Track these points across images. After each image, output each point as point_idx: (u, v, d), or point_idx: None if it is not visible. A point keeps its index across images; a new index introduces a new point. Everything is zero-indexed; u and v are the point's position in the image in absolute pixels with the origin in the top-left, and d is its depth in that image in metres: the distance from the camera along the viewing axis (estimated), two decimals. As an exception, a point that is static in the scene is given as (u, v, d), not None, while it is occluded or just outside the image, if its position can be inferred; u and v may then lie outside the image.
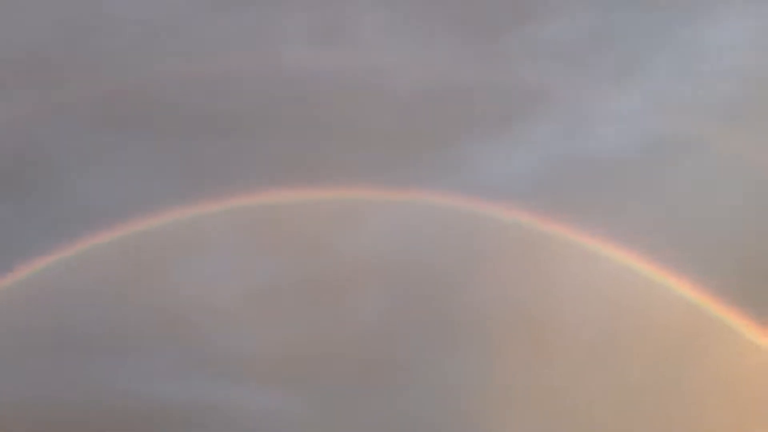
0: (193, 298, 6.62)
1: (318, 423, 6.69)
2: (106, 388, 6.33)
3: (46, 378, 6.19)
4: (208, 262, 6.79)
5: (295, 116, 7.35)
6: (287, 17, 7.06)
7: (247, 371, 6.90)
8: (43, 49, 6.21)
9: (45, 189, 6.44)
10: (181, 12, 6.61)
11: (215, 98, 7.13)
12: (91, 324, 6.45)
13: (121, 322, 6.57)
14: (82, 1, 6.41)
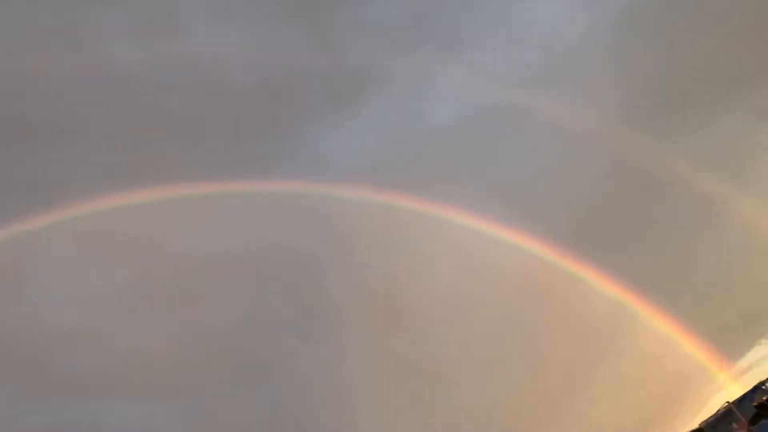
0: (30, 322, 6.40)
1: (183, 427, 6.81)
2: None
3: None
4: (43, 282, 6.60)
5: (123, 117, 7.33)
6: (107, 14, 6.96)
7: (102, 387, 6.82)
8: None
9: None
10: None
11: (32, 103, 6.92)
12: None
13: None
14: None
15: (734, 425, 19.86)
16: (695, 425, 22.14)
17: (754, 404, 21.22)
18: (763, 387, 22.40)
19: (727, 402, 21.33)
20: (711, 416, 22.25)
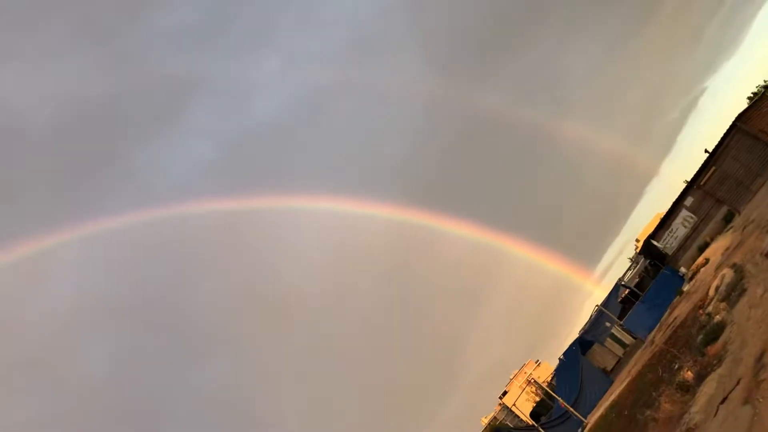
0: None
1: None
2: None
3: None
4: None
5: None
6: None
7: None
8: None
9: None
10: None
11: None
12: None
13: None
14: None
15: (607, 324, 21.69)
16: (576, 335, 24.01)
17: (619, 300, 23.25)
18: (622, 284, 24.58)
19: (596, 305, 23.23)
20: (586, 323, 24.11)
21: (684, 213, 23.20)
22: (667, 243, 23.70)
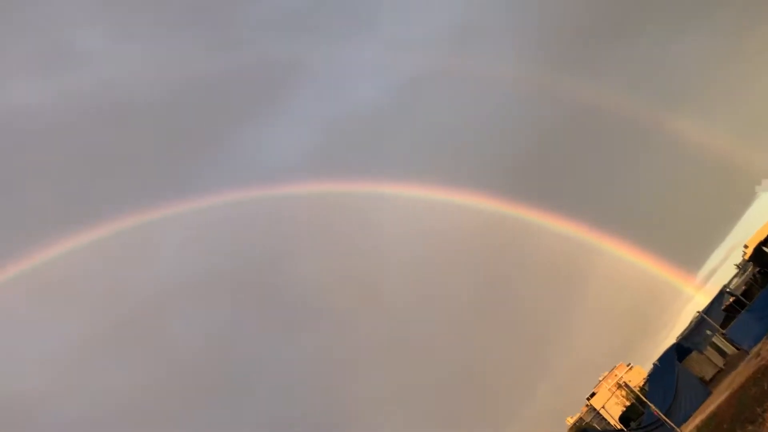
0: (8, 385, 6.46)
1: None
2: None
3: None
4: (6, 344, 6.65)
5: (40, 158, 7.39)
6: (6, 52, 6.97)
7: None
8: None
9: None
10: None
11: None
12: None
13: None
14: None
15: (708, 332, 20.76)
16: (673, 340, 23.10)
17: (723, 308, 22.20)
18: (728, 290, 23.42)
19: (698, 312, 22.25)
20: (686, 329, 23.14)
21: (801, 219, 21.75)
22: (781, 250, 22.35)
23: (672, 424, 18.24)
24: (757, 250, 23.74)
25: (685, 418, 18.66)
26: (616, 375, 34.70)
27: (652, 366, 22.61)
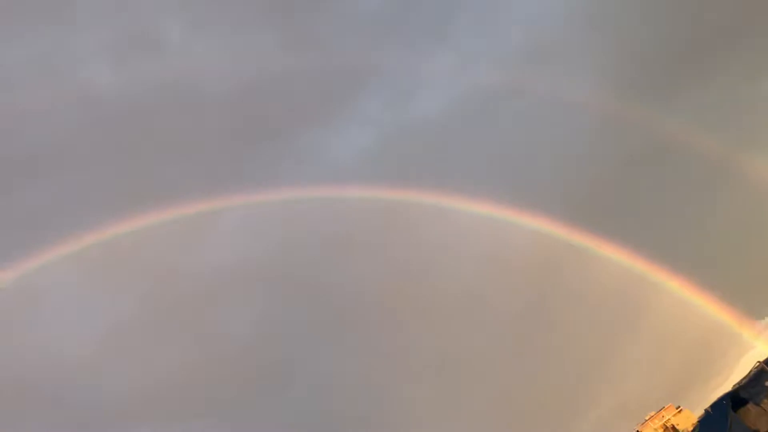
0: (46, 357, 6.60)
1: None
2: None
3: None
4: (51, 321, 6.81)
5: (111, 141, 7.53)
6: (82, 37, 7.17)
7: (127, 416, 7.06)
8: None
9: None
10: None
11: (19, 137, 7.12)
12: None
13: None
14: None
15: (767, 384, 19.83)
16: (728, 388, 22.15)
17: (786, 360, 21.24)
18: (792, 342, 22.28)
19: (758, 362, 21.28)
20: (744, 378, 22.17)
21: None
22: None
23: (719, 475, 17.43)
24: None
25: (734, 471, 17.83)
26: (663, 416, 33.68)
27: (703, 412, 21.76)
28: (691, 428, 26.03)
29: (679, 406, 35.11)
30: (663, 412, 34.52)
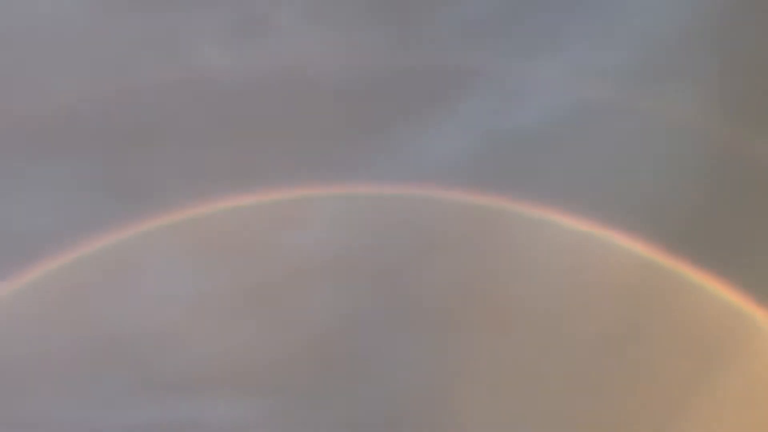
0: (139, 319, 6.58)
1: (280, 429, 6.81)
2: (56, 419, 6.28)
3: None
4: (149, 282, 6.75)
5: (219, 120, 7.35)
6: (199, 17, 7.08)
7: (202, 385, 6.94)
8: None
9: None
10: (84, 20, 6.49)
11: (133, 109, 7.00)
12: (26, 359, 6.36)
13: (62, 355, 6.48)
14: None
15: None
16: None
17: None
18: None
19: None
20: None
21: None
22: None
23: None
24: None
25: None
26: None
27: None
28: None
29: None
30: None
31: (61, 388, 6.63)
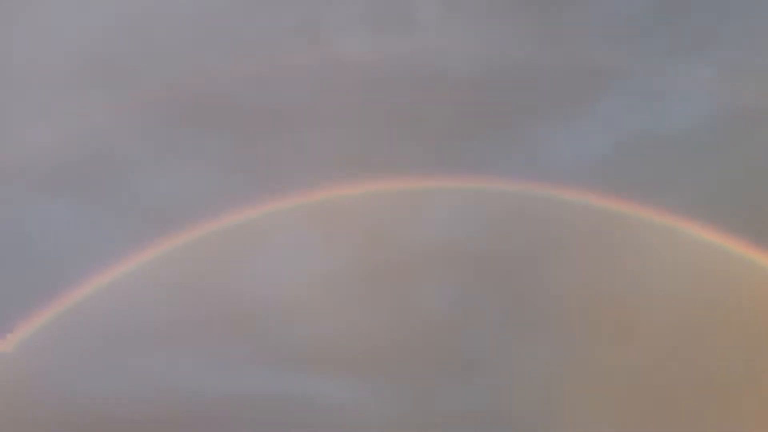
0: (262, 293, 6.89)
1: (391, 414, 6.87)
2: (178, 384, 6.63)
3: (122, 376, 6.54)
4: (274, 258, 7.05)
5: (351, 107, 7.54)
6: (344, 5, 7.29)
7: (317, 363, 7.14)
8: (103, 50, 6.51)
9: (114, 191, 6.81)
10: (231, 6, 6.81)
11: (271, 93, 7.30)
12: (161, 324, 6.73)
13: (192, 321, 6.83)
14: (136, 2, 6.65)
15: None
16: None
17: None
18: None
19: None
20: None
21: None
22: None
23: None
24: None
25: None
26: None
27: None
28: None
29: None
30: None
31: (188, 353, 7.04)
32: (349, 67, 7.47)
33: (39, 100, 6.47)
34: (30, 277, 6.77)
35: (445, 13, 7.60)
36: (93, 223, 6.71)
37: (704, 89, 7.89)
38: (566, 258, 7.97)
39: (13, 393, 6.36)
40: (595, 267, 7.96)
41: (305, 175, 7.43)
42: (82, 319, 6.62)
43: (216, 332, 6.89)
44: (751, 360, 7.89)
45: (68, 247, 6.84)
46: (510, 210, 8.08)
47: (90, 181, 6.74)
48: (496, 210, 8.02)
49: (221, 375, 6.94)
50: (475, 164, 7.84)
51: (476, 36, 7.69)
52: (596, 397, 7.42)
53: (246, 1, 6.82)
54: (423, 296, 7.81)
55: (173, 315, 6.78)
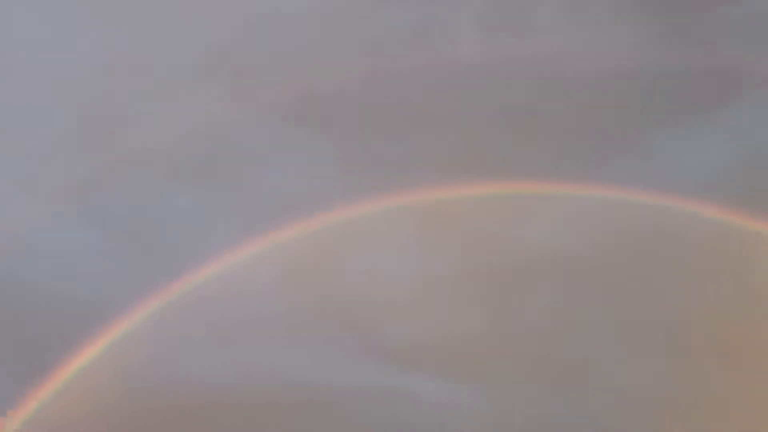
0: (368, 290, 6.99)
1: (488, 416, 6.87)
2: (283, 374, 6.86)
3: (230, 365, 6.85)
4: (380, 256, 7.14)
5: (465, 110, 7.51)
6: (461, 7, 7.26)
7: (418, 361, 7.17)
8: (225, 49, 6.84)
9: (234, 183, 7.13)
10: (353, 7, 6.96)
11: (390, 93, 7.41)
12: (270, 314, 6.98)
13: (299, 313, 7.04)
14: (259, 2, 6.94)
15: None
16: None
17: None
18: None
19: None
20: None
21: None
22: None
23: None
24: None
25: None
26: None
27: None
28: None
29: None
30: None
31: (290, 344, 7.28)
32: (466, 69, 7.49)
33: (168, 94, 6.87)
34: (153, 260, 7.19)
35: (565, 15, 7.46)
36: (213, 211, 7.05)
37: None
38: (680, 274, 7.62)
39: (127, 378, 6.79)
40: (707, 286, 7.57)
41: (416, 176, 7.50)
42: (193, 306, 6.98)
43: (321, 325, 7.10)
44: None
45: (188, 234, 7.21)
46: (623, 220, 7.83)
47: (212, 171, 7.09)
48: (607, 219, 7.79)
49: (327, 367, 7.14)
50: (589, 171, 7.66)
51: (596, 38, 7.52)
52: (701, 415, 7.07)
53: (365, 3, 6.97)
54: (530, 304, 7.72)
55: (280, 306, 7.04)
